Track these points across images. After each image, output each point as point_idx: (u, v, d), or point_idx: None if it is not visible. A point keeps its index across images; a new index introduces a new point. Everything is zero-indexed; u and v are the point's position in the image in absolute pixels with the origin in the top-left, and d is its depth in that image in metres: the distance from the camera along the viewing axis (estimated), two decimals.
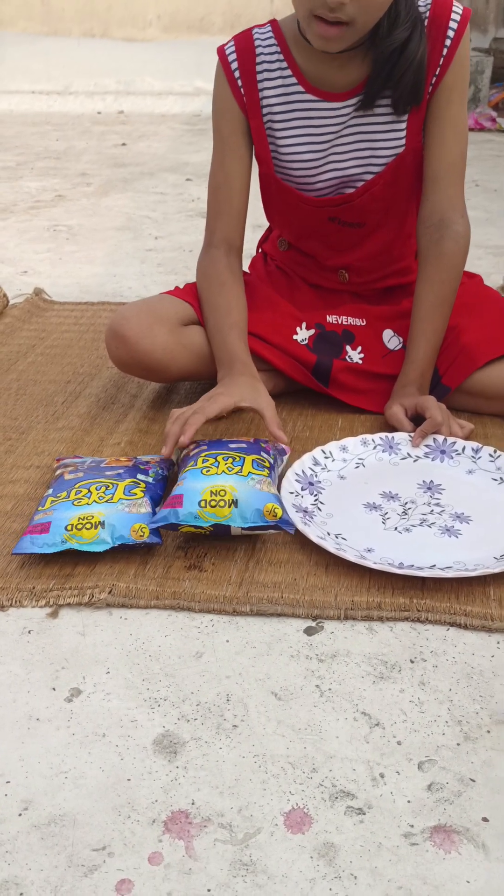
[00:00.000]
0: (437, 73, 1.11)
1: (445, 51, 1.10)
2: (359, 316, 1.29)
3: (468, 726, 0.72)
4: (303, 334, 1.25)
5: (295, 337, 1.25)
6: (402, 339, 1.26)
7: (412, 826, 0.63)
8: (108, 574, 0.90)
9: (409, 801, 0.65)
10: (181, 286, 1.30)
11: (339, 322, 1.28)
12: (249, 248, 1.40)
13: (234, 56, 1.16)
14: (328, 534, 0.95)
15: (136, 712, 0.74)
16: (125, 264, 1.98)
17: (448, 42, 1.10)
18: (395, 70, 1.09)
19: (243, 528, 0.92)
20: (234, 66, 1.16)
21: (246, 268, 1.39)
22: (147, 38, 4.55)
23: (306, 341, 1.25)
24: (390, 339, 1.28)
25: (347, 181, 1.19)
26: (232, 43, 1.17)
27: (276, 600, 0.86)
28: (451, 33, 1.10)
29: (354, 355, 1.26)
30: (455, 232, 1.17)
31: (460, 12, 1.11)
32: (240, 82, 1.16)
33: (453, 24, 1.10)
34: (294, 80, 1.15)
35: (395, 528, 0.97)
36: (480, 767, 0.68)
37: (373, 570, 0.89)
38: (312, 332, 1.26)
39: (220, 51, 1.18)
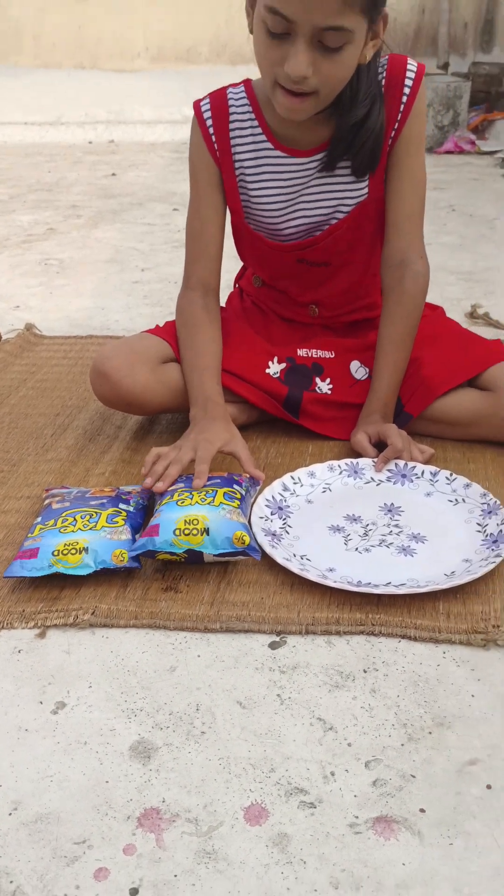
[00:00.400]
0: (395, 128, 1.21)
1: (402, 107, 1.19)
2: (328, 349, 1.38)
3: (412, 728, 0.80)
4: (275, 368, 1.34)
5: (267, 370, 1.34)
6: (368, 370, 1.35)
7: (357, 817, 0.72)
8: (92, 596, 0.99)
9: (355, 796, 0.73)
10: (166, 318, 1.39)
11: (310, 355, 1.37)
12: (228, 277, 1.48)
13: (209, 113, 1.25)
14: (294, 555, 1.04)
15: (114, 722, 0.82)
16: (112, 297, 2.08)
17: (405, 99, 1.19)
18: (356, 140, 1.19)
19: (215, 555, 1.00)
20: (209, 122, 1.25)
21: (223, 302, 1.49)
22: (136, 69, 4.68)
23: (278, 374, 1.34)
24: (357, 370, 1.37)
25: (314, 227, 1.28)
26: (207, 100, 1.26)
27: (243, 618, 0.95)
28: (406, 90, 1.19)
29: (324, 386, 1.35)
30: (415, 272, 1.26)
31: (415, 69, 1.20)
32: (214, 138, 1.25)
33: (408, 82, 1.20)
34: (264, 137, 1.24)
35: (356, 549, 1.06)
36: (421, 765, 0.76)
37: (333, 588, 0.97)
38: (284, 365, 1.35)
39: (196, 107, 1.27)
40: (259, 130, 1.24)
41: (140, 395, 1.26)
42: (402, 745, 0.78)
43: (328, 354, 1.38)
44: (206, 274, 1.32)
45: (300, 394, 1.32)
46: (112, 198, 3.21)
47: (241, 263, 1.48)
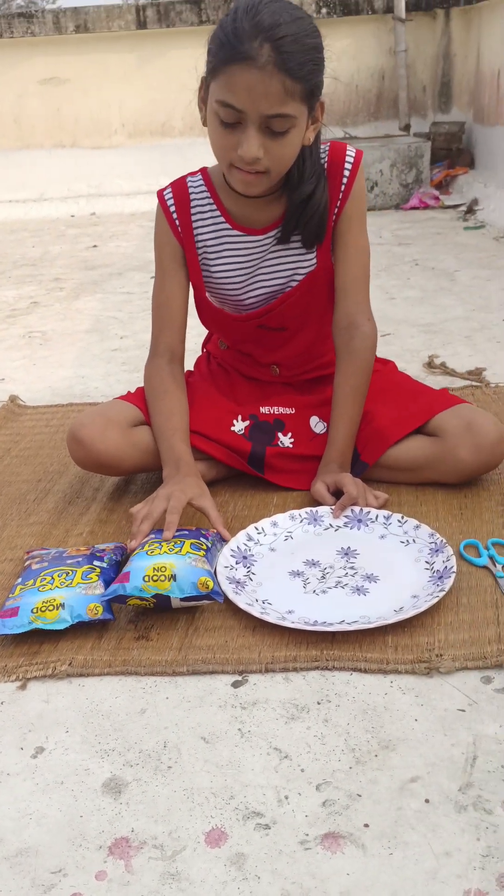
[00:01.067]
0: (337, 206, 1.34)
1: (343, 188, 1.33)
2: (289, 405, 1.49)
3: (360, 752, 0.88)
4: (239, 426, 1.44)
5: (232, 428, 1.44)
6: (326, 424, 1.45)
7: (307, 835, 0.79)
8: (69, 648, 1.07)
9: (306, 816, 0.81)
10: (140, 385, 1.49)
11: (272, 412, 1.47)
12: (197, 341, 1.60)
13: (171, 201, 1.38)
14: (256, 600, 1.12)
15: (89, 762, 0.90)
16: (92, 366, 2.19)
17: (345, 181, 1.33)
18: (304, 215, 1.32)
19: (181, 599, 1.08)
20: (173, 209, 1.38)
21: (191, 365, 1.60)
22: (114, 145, 4.90)
23: (243, 431, 1.44)
24: (316, 425, 1.47)
25: (271, 296, 1.40)
26: (170, 190, 1.39)
27: (209, 660, 1.03)
28: (346, 173, 1.33)
29: (285, 440, 1.45)
30: (363, 333, 1.38)
31: (353, 156, 1.34)
32: (177, 223, 1.38)
33: (348, 166, 1.33)
34: (222, 219, 1.37)
35: (314, 591, 1.14)
36: (366, 784, 0.84)
37: (291, 628, 1.06)
38: (248, 422, 1.45)
39: (160, 196, 1.40)
40: (217, 213, 1.37)
41: (112, 457, 1.36)
42: (350, 767, 0.86)
43: (289, 411, 1.48)
44: (173, 342, 1.43)
45: (263, 449, 1.42)
46: (93, 269, 3.37)
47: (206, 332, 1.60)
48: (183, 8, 4.65)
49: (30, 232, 4.33)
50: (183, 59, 4.75)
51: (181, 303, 1.42)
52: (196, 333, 1.56)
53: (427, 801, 0.81)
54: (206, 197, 1.37)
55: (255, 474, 1.42)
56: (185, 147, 4.89)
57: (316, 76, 1.17)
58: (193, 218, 1.38)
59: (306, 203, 1.31)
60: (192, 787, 0.85)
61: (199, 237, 1.38)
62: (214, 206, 1.37)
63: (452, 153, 4.56)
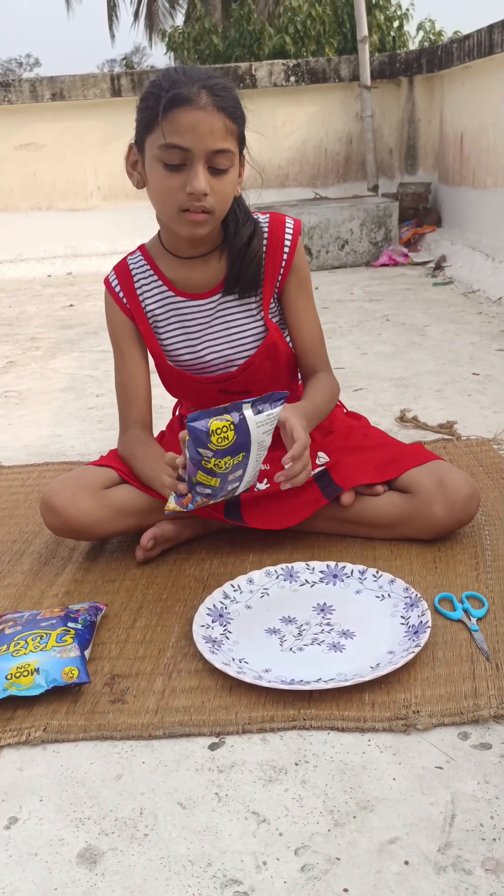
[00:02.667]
0: (280, 275, 1.40)
1: (285, 257, 1.40)
2: (263, 462, 1.50)
3: (338, 814, 0.87)
4: None
5: None
6: None
7: None
8: (44, 713, 1.05)
9: (285, 882, 0.79)
10: (116, 442, 1.50)
11: None
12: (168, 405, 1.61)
13: (116, 282, 1.45)
14: (233, 659, 1.12)
15: (63, 832, 0.88)
16: (68, 424, 2.21)
17: (286, 250, 1.40)
18: (244, 261, 1.37)
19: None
20: (118, 290, 1.44)
21: (164, 426, 1.62)
22: (89, 207, 5.00)
23: None
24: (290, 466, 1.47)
25: (227, 359, 1.44)
26: (114, 273, 1.47)
27: (185, 723, 1.02)
28: (287, 243, 1.40)
29: (261, 486, 1.45)
30: (327, 374, 1.47)
31: (292, 226, 1.41)
32: (125, 300, 1.44)
33: (288, 237, 1.40)
34: (165, 287, 1.42)
35: (291, 649, 1.14)
36: (345, 847, 0.83)
37: (268, 687, 1.05)
38: None
39: (106, 281, 1.47)
40: (160, 283, 1.42)
41: (84, 523, 1.36)
42: (329, 830, 0.85)
43: (263, 466, 1.49)
44: (142, 414, 1.47)
45: (238, 496, 1.41)
46: (69, 328, 3.40)
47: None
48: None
49: (6, 292, 4.37)
50: None
51: (143, 379, 1.47)
52: (170, 400, 1.58)
53: (406, 862, 0.80)
54: (147, 270, 1.43)
55: (234, 524, 1.41)
56: None
57: (243, 125, 1.28)
58: (139, 291, 1.43)
59: (245, 248, 1.37)
60: (169, 856, 0.84)
61: (147, 308, 1.43)
62: (156, 277, 1.42)
63: (420, 212, 4.71)
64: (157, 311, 1.43)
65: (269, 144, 4.93)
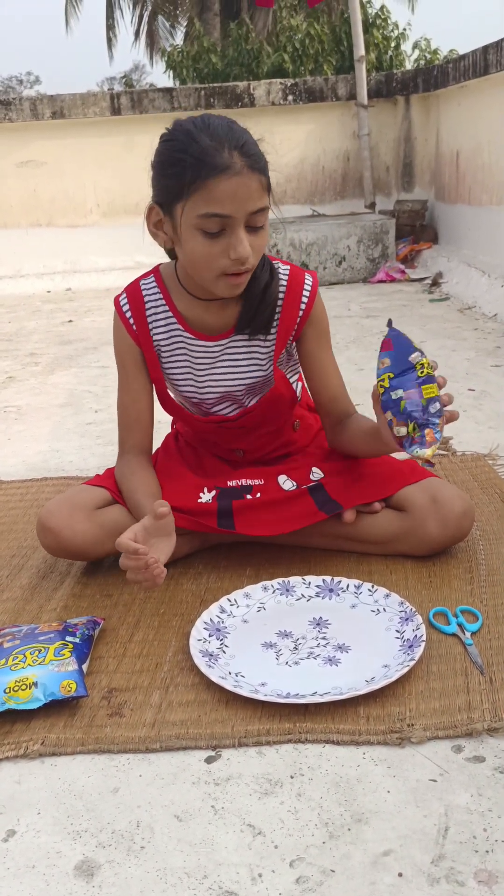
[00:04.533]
0: (295, 327, 1.39)
1: (302, 311, 1.39)
2: (256, 477, 1.51)
3: (333, 826, 0.88)
4: (206, 496, 1.46)
5: (199, 500, 1.46)
6: (295, 483, 1.47)
7: None
8: (42, 727, 1.06)
9: (280, 894, 0.80)
10: (115, 457, 1.51)
11: (238, 483, 1.50)
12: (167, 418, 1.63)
13: (127, 307, 1.42)
14: (229, 673, 1.13)
15: (60, 845, 0.89)
16: (67, 440, 2.22)
17: (303, 306, 1.39)
18: (260, 305, 1.36)
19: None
20: (128, 314, 1.42)
21: (159, 442, 1.63)
22: (89, 224, 5.04)
23: (210, 500, 1.46)
24: (284, 482, 1.47)
25: (227, 396, 1.44)
26: (125, 295, 1.43)
27: (182, 736, 1.03)
28: (304, 298, 1.39)
29: (249, 497, 1.46)
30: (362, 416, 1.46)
31: (311, 282, 1.40)
32: (134, 326, 1.42)
33: (306, 292, 1.39)
34: (177, 323, 1.40)
35: (287, 663, 1.15)
36: (340, 859, 0.84)
37: (264, 701, 1.06)
38: (215, 492, 1.47)
39: (116, 302, 1.43)
40: (172, 318, 1.41)
41: (80, 544, 1.37)
42: (324, 842, 0.86)
43: (257, 481, 1.50)
44: (141, 439, 1.46)
45: (230, 504, 1.42)
46: (68, 343, 3.42)
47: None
48: (156, 95, 4.86)
49: (6, 308, 4.40)
50: (155, 143, 4.94)
51: (146, 404, 1.46)
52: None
53: (400, 874, 0.81)
54: (160, 301, 1.41)
55: (227, 532, 1.41)
56: None
57: (268, 171, 1.27)
58: (149, 320, 1.41)
59: (263, 292, 1.36)
60: (166, 868, 0.84)
61: (156, 338, 1.42)
62: (169, 312, 1.40)
63: (416, 229, 4.75)
64: (164, 344, 1.42)
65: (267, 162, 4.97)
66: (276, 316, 1.39)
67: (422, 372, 1.17)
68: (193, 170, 1.18)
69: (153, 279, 1.42)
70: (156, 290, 1.41)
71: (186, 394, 1.46)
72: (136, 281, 1.44)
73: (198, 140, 1.19)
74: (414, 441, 1.17)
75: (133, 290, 1.43)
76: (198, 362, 1.42)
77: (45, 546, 1.40)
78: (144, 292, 1.42)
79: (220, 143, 1.19)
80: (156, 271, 1.44)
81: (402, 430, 1.17)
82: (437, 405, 1.16)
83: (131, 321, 1.42)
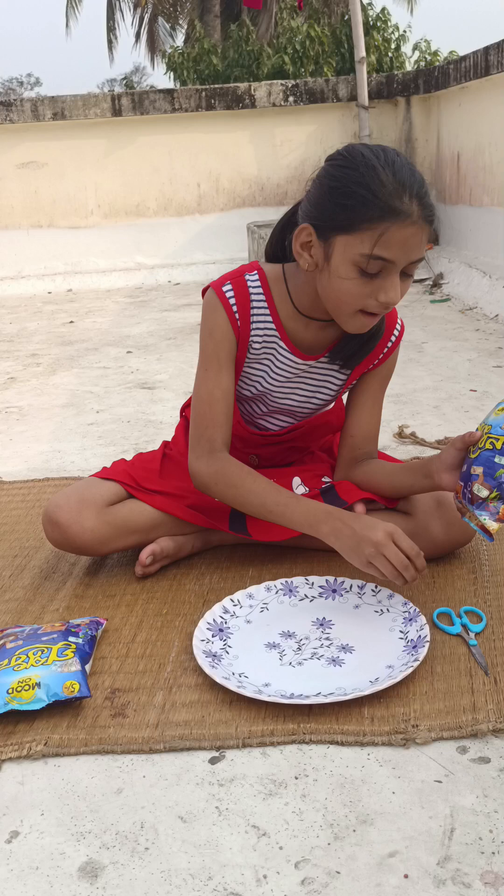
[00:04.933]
0: (375, 362, 1.39)
1: (387, 349, 1.38)
2: (270, 478, 1.50)
3: (338, 828, 0.87)
4: None
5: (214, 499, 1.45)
6: (308, 488, 1.46)
7: None
8: (45, 727, 1.06)
9: (285, 895, 0.80)
10: (119, 456, 1.50)
11: None
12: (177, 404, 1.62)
13: (233, 299, 1.32)
14: (233, 674, 1.12)
15: (64, 846, 0.88)
16: (68, 440, 2.22)
17: (390, 344, 1.39)
18: (368, 343, 1.35)
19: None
20: (234, 308, 1.32)
21: (168, 438, 1.62)
22: (90, 225, 5.04)
23: None
24: (298, 486, 1.47)
25: (286, 410, 1.44)
26: (230, 286, 1.32)
27: (185, 737, 1.02)
28: (393, 338, 1.39)
29: None
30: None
31: (400, 328, 1.40)
32: (238, 321, 1.33)
33: (394, 336, 1.39)
34: (276, 333, 1.34)
35: (290, 663, 1.15)
36: (345, 861, 0.83)
37: (268, 701, 1.06)
38: None
39: (219, 290, 1.32)
40: (272, 327, 1.34)
41: (88, 540, 1.36)
42: (329, 843, 0.85)
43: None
44: (228, 436, 1.38)
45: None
46: (69, 344, 3.42)
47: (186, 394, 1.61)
48: (157, 97, 4.86)
49: (7, 308, 4.40)
50: (156, 144, 4.95)
51: (233, 399, 1.38)
52: (173, 407, 1.59)
53: (406, 876, 0.81)
54: (264, 306, 1.34)
55: (239, 535, 1.41)
56: (159, 227, 5.05)
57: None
58: (252, 321, 1.34)
59: (376, 331, 1.34)
60: (170, 869, 0.84)
61: (251, 338, 1.36)
62: (269, 316, 1.34)
63: None
64: (256, 346, 1.36)
65: (268, 163, 4.98)
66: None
67: None
68: (373, 210, 1.13)
69: (258, 279, 1.34)
70: (261, 291, 1.34)
71: (246, 397, 1.43)
72: (241, 275, 1.34)
73: (382, 179, 1.14)
74: (487, 508, 1.14)
75: (239, 284, 1.33)
76: (277, 373, 1.39)
77: (50, 539, 1.39)
78: (251, 290, 1.34)
79: (404, 187, 1.14)
80: (260, 271, 1.35)
81: (484, 493, 1.14)
82: None
83: (237, 314, 1.33)
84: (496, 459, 1.14)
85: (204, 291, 1.38)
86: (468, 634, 1.18)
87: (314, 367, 1.39)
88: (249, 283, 1.34)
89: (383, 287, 1.18)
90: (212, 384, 1.35)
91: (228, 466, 1.33)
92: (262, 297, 1.34)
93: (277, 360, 1.38)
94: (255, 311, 1.34)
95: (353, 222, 1.15)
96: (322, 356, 1.37)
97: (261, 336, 1.36)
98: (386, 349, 1.38)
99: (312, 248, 1.22)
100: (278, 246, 1.37)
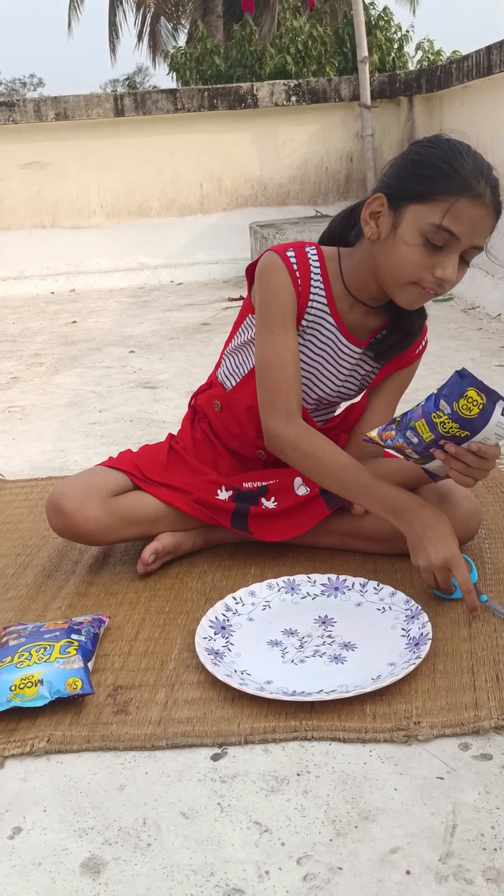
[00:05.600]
0: (404, 360, 1.44)
1: (417, 352, 1.45)
2: (271, 478, 1.50)
3: (340, 824, 0.87)
4: (224, 495, 1.46)
5: (217, 497, 1.45)
6: (308, 489, 1.46)
7: None
8: (48, 724, 1.06)
9: (287, 891, 0.80)
10: (121, 449, 1.50)
11: (254, 485, 1.49)
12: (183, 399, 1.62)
13: (295, 265, 1.34)
14: (235, 671, 1.13)
15: (67, 842, 0.88)
16: (71, 439, 2.22)
17: (418, 351, 1.45)
18: (405, 341, 1.40)
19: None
20: (297, 272, 1.34)
21: (174, 431, 1.62)
22: (92, 225, 5.04)
23: (227, 499, 1.45)
24: (299, 487, 1.47)
25: (317, 390, 1.45)
26: (293, 252, 1.35)
27: (188, 733, 1.02)
28: (422, 346, 1.45)
29: (269, 504, 1.46)
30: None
31: (426, 340, 1.46)
32: (299, 285, 1.35)
33: (425, 341, 1.46)
34: (327, 308, 1.38)
35: (292, 661, 1.15)
36: (347, 857, 0.83)
37: (270, 699, 1.06)
38: (231, 493, 1.46)
39: (283, 254, 1.34)
40: (325, 302, 1.37)
41: (91, 529, 1.37)
42: (331, 839, 0.86)
43: (272, 481, 1.50)
44: (300, 400, 1.38)
45: (247, 508, 1.42)
46: (72, 344, 3.43)
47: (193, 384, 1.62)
48: (159, 97, 4.87)
49: (10, 309, 4.41)
50: (159, 144, 4.96)
51: (299, 365, 1.38)
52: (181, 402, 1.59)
53: (408, 872, 0.81)
54: (320, 282, 1.36)
55: (239, 533, 1.42)
56: (161, 227, 5.05)
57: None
58: (310, 295, 1.36)
59: (415, 331, 1.40)
60: (172, 865, 0.84)
61: (307, 311, 1.37)
62: (324, 295, 1.37)
63: None
64: (308, 321, 1.38)
65: (270, 163, 4.98)
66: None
67: (435, 417, 1.18)
68: (451, 182, 1.19)
69: (316, 253, 1.37)
70: (318, 264, 1.37)
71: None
72: (301, 246, 1.37)
73: (464, 159, 1.21)
74: (397, 422, 1.23)
75: (301, 253, 1.36)
76: (320, 350, 1.41)
77: (53, 527, 1.39)
78: (311, 260, 1.36)
79: (482, 172, 1.22)
80: (317, 247, 1.39)
81: (398, 416, 1.25)
82: (414, 440, 1.20)
83: (298, 279, 1.35)
84: (423, 408, 1.22)
85: (251, 268, 1.42)
86: (478, 591, 1.18)
87: (352, 352, 1.42)
88: (309, 254, 1.37)
89: (442, 263, 1.22)
90: (280, 345, 1.35)
91: (308, 433, 1.33)
92: (319, 271, 1.37)
93: (322, 335, 1.40)
94: (313, 281, 1.37)
95: (429, 192, 1.21)
96: (363, 344, 1.41)
97: (314, 308, 1.38)
98: (417, 351, 1.44)
99: (381, 216, 1.26)
100: (336, 232, 1.42)
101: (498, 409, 1.16)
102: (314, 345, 1.41)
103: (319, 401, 1.48)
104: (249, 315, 1.46)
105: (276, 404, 1.34)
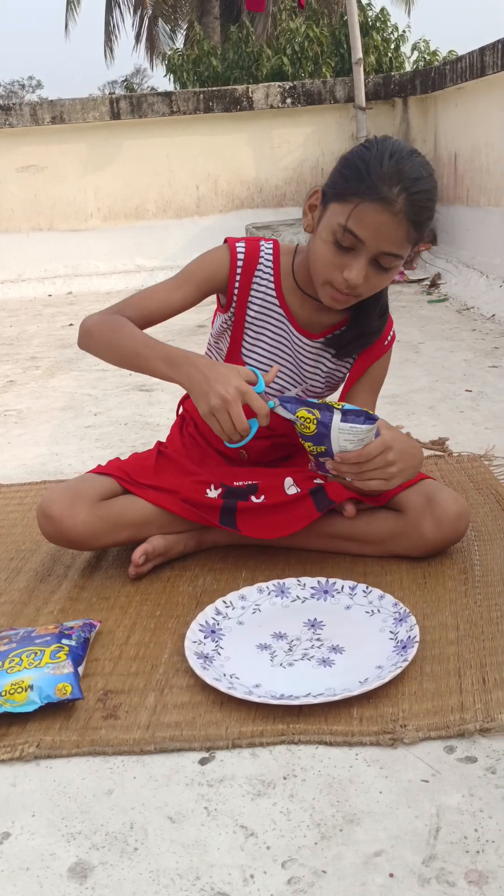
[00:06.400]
0: (370, 359, 1.45)
1: (384, 345, 1.46)
2: (260, 477, 1.51)
3: (325, 827, 0.88)
4: (213, 493, 1.46)
5: (206, 495, 1.46)
6: (299, 489, 1.47)
7: None
8: (37, 729, 1.07)
9: (271, 895, 0.81)
10: (112, 457, 1.51)
11: (245, 484, 1.50)
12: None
13: (241, 255, 1.39)
14: (224, 675, 1.13)
15: (55, 847, 0.89)
16: (66, 443, 2.23)
17: (386, 342, 1.46)
18: (360, 340, 1.41)
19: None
20: (240, 263, 1.38)
21: (162, 439, 1.63)
22: (89, 228, 5.05)
23: (216, 496, 1.46)
24: (290, 487, 1.48)
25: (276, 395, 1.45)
26: (244, 245, 1.41)
27: (176, 738, 1.03)
28: (386, 342, 1.46)
29: (258, 501, 1.46)
30: None
31: (393, 332, 1.47)
32: (238, 275, 1.39)
33: (388, 338, 1.46)
34: (277, 302, 1.40)
35: (281, 664, 1.16)
36: (331, 860, 0.84)
37: (258, 702, 1.07)
38: (221, 490, 1.47)
39: (232, 243, 1.41)
40: (274, 296, 1.40)
41: (80, 533, 1.37)
42: (316, 843, 0.86)
43: (262, 479, 1.50)
44: (132, 316, 1.36)
45: (235, 504, 1.42)
46: (69, 347, 3.43)
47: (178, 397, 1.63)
48: (155, 100, 4.87)
49: (7, 312, 4.41)
50: (155, 147, 4.96)
51: (168, 313, 1.39)
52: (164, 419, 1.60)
53: (391, 875, 0.82)
54: (270, 269, 1.40)
55: (227, 529, 1.42)
56: (159, 229, 5.06)
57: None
58: (253, 283, 1.40)
59: (369, 334, 1.41)
60: (159, 869, 0.85)
61: (251, 300, 1.41)
62: (274, 288, 1.40)
63: None
64: (255, 310, 1.42)
65: (266, 165, 4.99)
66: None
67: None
68: (360, 184, 1.20)
69: (271, 248, 1.42)
70: (270, 259, 1.41)
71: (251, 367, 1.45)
72: (258, 242, 1.42)
73: (382, 163, 1.20)
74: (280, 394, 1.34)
75: (253, 247, 1.41)
76: (274, 342, 1.43)
77: (44, 533, 1.40)
78: (262, 254, 1.41)
79: (399, 178, 1.20)
80: (276, 243, 1.43)
81: (292, 392, 1.34)
82: (315, 460, 1.27)
83: (238, 269, 1.39)
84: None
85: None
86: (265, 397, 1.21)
87: (308, 346, 1.43)
88: (262, 249, 1.41)
89: (349, 264, 1.24)
90: (161, 288, 1.39)
91: (120, 319, 1.33)
92: (270, 265, 1.41)
93: (274, 325, 1.42)
94: (260, 274, 1.40)
95: (344, 192, 1.22)
96: (319, 338, 1.42)
97: (260, 298, 1.41)
98: (385, 342, 1.44)
99: (315, 210, 1.30)
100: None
101: (336, 417, 1.19)
102: (268, 336, 1.44)
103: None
104: (219, 313, 1.48)
105: (110, 308, 1.36)
